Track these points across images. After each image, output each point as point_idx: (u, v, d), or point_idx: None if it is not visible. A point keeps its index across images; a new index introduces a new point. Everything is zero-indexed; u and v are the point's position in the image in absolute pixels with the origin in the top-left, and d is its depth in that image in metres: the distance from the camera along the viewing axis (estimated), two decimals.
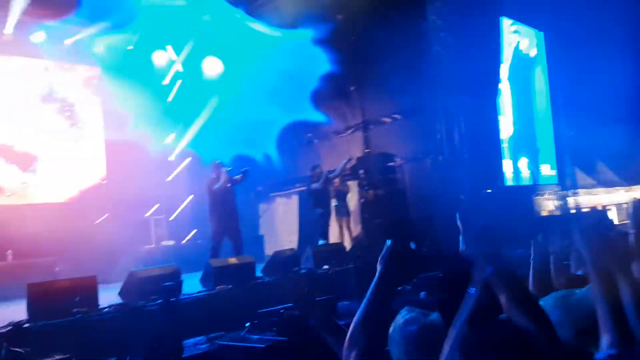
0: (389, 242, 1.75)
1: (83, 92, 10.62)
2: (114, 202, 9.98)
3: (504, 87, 11.17)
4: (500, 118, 10.66)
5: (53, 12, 9.27)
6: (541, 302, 1.64)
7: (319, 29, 10.29)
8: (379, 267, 1.69)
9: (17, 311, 5.66)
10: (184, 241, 10.87)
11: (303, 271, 7.18)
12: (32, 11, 8.94)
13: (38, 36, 9.59)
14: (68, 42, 9.99)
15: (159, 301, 5.35)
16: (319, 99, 11.17)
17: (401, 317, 1.85)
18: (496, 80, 10.31)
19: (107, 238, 9.08)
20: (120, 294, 6.25)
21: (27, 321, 5.17)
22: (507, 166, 10.89)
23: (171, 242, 10.47)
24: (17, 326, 5.02)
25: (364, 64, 10.59)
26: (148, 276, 6.26)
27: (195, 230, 10.98)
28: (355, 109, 11.21)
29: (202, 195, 10.39)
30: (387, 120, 10.70)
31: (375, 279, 1.66)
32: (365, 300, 1.64)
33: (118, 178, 10.30)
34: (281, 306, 5.50)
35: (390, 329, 1.86)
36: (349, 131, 11.33)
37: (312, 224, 11.04)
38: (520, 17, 11.54)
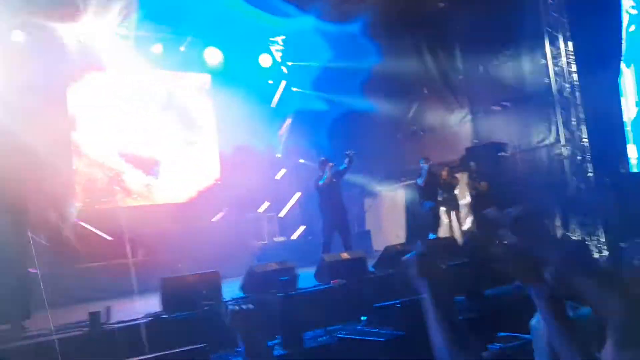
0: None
1: (197, 98, 11.30)
2: (228, 201, 10.51)
3: (625, 65, 10.31)
4: (622, 100, 9.85)
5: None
6: None
7: (422, 18, 10.15)
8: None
9: (149, 303, 6.16)
10: (293, 237, 11.19)
11: None
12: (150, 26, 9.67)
13: (156, 48, 10.33)
14: (181, 49, 10.68)
15: (279, 295, 5.55)
16: (423, 90, 11.02)
17: None
18: (618, 58, 9.52)
19: (222, 235, 9.62)
20: (240, 287, 6.59)
21: (162, 312, 5.61)
22: (631, 151, 10.05)
23: (282, 239, 10.83)
24: (155, 317, 5.46)
25: (471, 51, 10.28)
26: (266, 271, 6.52)
27: (304, 227, 11.27)
28: (462, 99, 10.91)
29: (309, 192, 10.70)
30: (497, 108, 10.29)
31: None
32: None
33: (231, 178, 10.85)
34: (397, 300, 5.51)
35: (534, 320, 1.80)
36: (457, 122, 11.04)
37: (420, 218, 10.92)
38: None
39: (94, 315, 5.21)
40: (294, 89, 12.11)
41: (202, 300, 5.89)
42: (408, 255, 1.62)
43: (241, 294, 6.47)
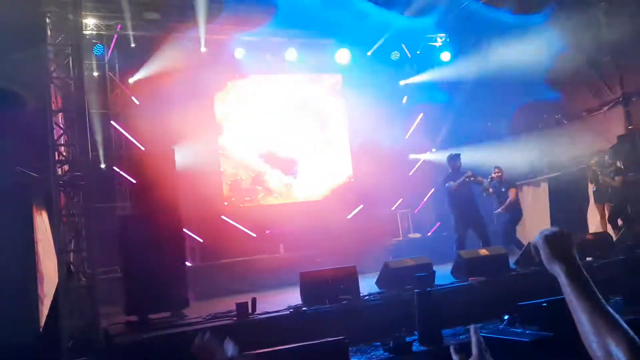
0: None
1: (329, 99, 11.61)
2: (362, 198, 10.67)
3: None
4: None
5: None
6: None
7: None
8: None
9: (290, 296, 6.47)
10: (429, 234, 11.04)
11: None
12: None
13: (291, 54, 10.80)
14: (314, 55, 11.07)
15: (416, 291, 5.52)
16: (564, 77, 10.23)
17: None
18: None
19: (358, 231, 9.78)
20: (377, 283, 6.66)
21: (302, 305, 5.87)
22: None
23: (417, 235, 10.73)
24: (296, 309, 5.73)
25: (619, 30, 9.33)
26: (402, 267, 6.53)
27: (438, 223, 11.06)
28: (611, 82, 9.96)
29: (442, 188, 10.47)
30: None
31: None
32: None
33: (364, 175, 10.99)
34: (543, 300, 5.20)
35: None
36: (605, 107, 10.10)
37: (565, 213, 10.17)
38: None
39: (241, 306, 5.61)
40: (424, 77, 11.88)
41: (340, 294, 6.05)
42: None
43: (377, 289, 6.55)
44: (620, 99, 9.86)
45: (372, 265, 8.37)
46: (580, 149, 10.01)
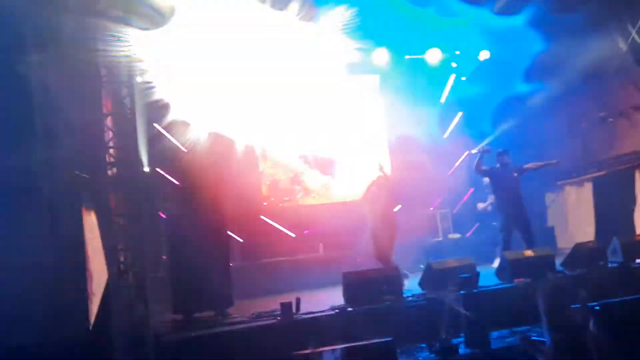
0: None
1: (367, 99, 11.58)
2: (402, 197, 10.59)
3: None
4: None
5: None
6: None
7: None
8: None
9: (332, 296, 6.49)
10: (468, 234, 10.90)
11: (613, 265, 6.50)
12: None
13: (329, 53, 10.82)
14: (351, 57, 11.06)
15: (461, 292, 5.47)
16: (612, 71, 9.96)
17: None
18: None
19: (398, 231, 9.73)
20: (420, 284, 6.63)
21: (347, 306, 5.88)
22: None
23: (457, 235, 10.62)
24: (340, 309, 5.75)
25: None
26: (445, 268, 6.48)
27: (477, 224, 10.90)
28: None
29: (482, 188, 10.33)
30: None
31: None
32: None
33: (403, 174, 10.91)
34: (593, 303, 5.08)
35: None
36: None
37: (611, 213, 9.92)
38: None
39: (285, 306, 5.66)
40: (463, 78, 11.74)
41: (383, 294, 6.05)
42: None
43: (420, 290, 6.51)
44: None
45: (413, 265, 8.34)
46: (625, 147, 9.74)
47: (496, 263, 7.80)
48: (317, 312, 5.75)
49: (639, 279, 6.27)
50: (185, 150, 7.83)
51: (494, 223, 9.10)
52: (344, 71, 11.22)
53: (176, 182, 6.64)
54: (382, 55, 11.30)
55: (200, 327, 5.63)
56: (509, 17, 10.01)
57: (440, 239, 10.34)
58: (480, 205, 9.90)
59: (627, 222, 9.52)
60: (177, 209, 6.47)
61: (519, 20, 10.05)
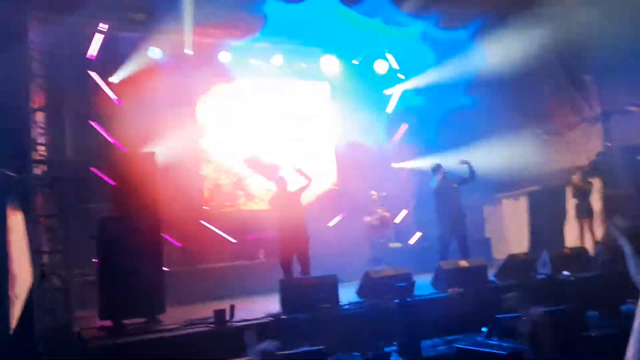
0: None
1: (315, 106, 11.62)
2: (345, 205, 10.66)
3: None
4: None
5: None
6: None
7: (545, 16, 9.62)
8: None
9: (269, 304, 6.41)
10: (409, 243, 11.06)
11: (541, 277, 6.72)
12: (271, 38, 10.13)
13: (277, 59, 10.81)
14: (302, 64, 11.09)
15: (396, 301, 5.51)
16: (546, 92, 10.42)
17: None
18: None
19: (339, 239, 9.76)
20: (357, 292, 6.64)
21: (281, 313, 5.81)
22: None
23: (398, 244, 10.73)
24: (275, 317, 5.68)
25: (601, 49, 9.50)
26: (382, 276, 6.51)
27: (420, 233, 11.09)
28: (591, 100, 10.13)
29: (424, 198, 10.51)
30: (634, 109, 9.42)
31: None
32: None
33: (347, 183, 11.00)
34: (517, 314, 5.24)
35: None
36: (585, 123, 10.27)
37: (544, 227, 10.30)
38: None
39: (219, 313, 5.54)
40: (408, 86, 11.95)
41: (320, 302, 6.01)
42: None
43: (358, 299, 6.52)
44: (600, 116, 10.04)
45: (353, 274, 8.35)
46: (560, 164, 10.16)
47: None
48: (251, 320, 5.64)
49: (564, 290, 6.51)
50: (123, 149, 7.59)
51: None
52: (293, 77, 11.28)
53: (111, 182, 6.41)
54: (331, 63, 11.38)
55: (129, 334, 5.42)
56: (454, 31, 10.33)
57: (383, 248, 10.40)
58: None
59: (558, 235, 9.93)
60: (109, 209, 6.23)
61: (463, 34, 10.38)
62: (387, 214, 10.11)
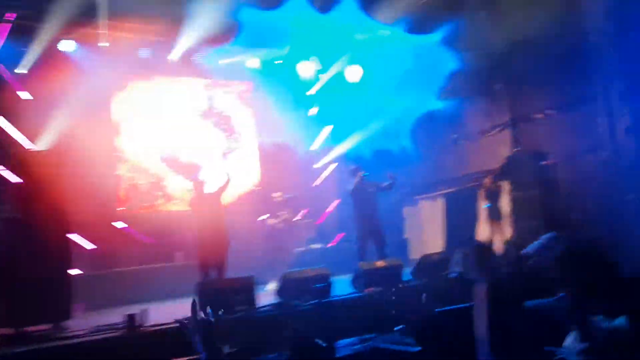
0: None
1: (237, 105, 11.48)
2: (267, 207, 10.59)
3: None
4: None
5: (218, 39, 10.15)
6: None
7: (458, 30, 10.07)
8: None
9: (186, 307, 6.25)
10: (331, 244, 11.17)
11: (453, 275, 6.99)
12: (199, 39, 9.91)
13: (199, 57, 10.58)
14: (223, 62, 10.89)
15: (313, 301, 5.55)
16: (462, 97, 10.87)
17: None
18: None
19: (260, 241, 9.71)
20: (276, 293, 6.62)
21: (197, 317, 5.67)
22: None
23: (319, 245, 10.82)
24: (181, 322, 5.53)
25: (512, 59, 10.05)
26: (301, 277, 6.54)
27: (343, 234, 11.24)
28: (502, 107, 10.68)
29: (348, 199, 10.67)
30: (539, 116, 10.03)
31: None
32: None
33: (270, 184, 10.95)
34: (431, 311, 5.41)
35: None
36: (496, 130, 10.81)
37: (458, 227, 10.73)
38: None
39: (130, 318, 5.33)
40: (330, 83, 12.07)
41: (237, 305, 5.94)
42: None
43: (276, 300, 6.50)
44: (510, 123, 10.60)
45: (275, 275, 8.32)
46: (472, 167, 10.62)
47: None
48: (163, 324, 5.47)
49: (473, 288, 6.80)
50: (28, 145, 7.17)
51: None
52: (216, 76, 11.08)
53: (14, 181, 6.01)
54: (255, 63, 11.28)
55: (30, 342, 5.10)
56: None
57: (303, 248, 10.45)
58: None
59: (472, 235, 10.38)
60: (12, 210, 5.83)
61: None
62: (292, 216, 9.89)
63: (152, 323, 5.50)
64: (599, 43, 8.57)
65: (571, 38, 8.64)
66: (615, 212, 8.52)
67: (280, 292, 6.62)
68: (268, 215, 9.71)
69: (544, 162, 9.52)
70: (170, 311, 6.32)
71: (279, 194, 9.91)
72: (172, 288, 8.30)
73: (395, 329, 5.47)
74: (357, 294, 6.60)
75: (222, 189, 7.65)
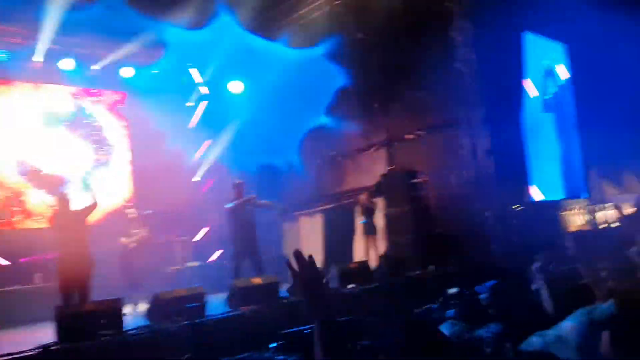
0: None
1: (109, 116, 10.86)
2: (140, 223, 10.07)
3: (530, 100, 11.05)
4: (526, 131, 10.51)
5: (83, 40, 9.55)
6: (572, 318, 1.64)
7: (341, 47, 10.41)
8: None
9: (45, 333, 5.72)
10: (208, 261, 10.89)
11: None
12: (62, 39, 9.23)
13: (67, 63, 9.87)
14: (96, 67, 10.27)
15: (184, 322, 5.33)
16: (342, 117, 11.24)
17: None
18: (519, 94, 10.21)
19: (133, 259, 9.17)
20: (146, 315, 6.28)
21: (55, 343, 5.21)
22: (534, 180, 10.69)
23: (196, 263, 10.49)
24: (44, 348, 5.05)
25: (387, 80, 10.59)
26: (173, 297, 6.26)
27: (221, 251, 10.99)
28: (379, 126, 11.19)
29: (226, 215, 10.48)
30: (411, 136, 10.64)
31: None
32: None
33: (144, 199, 10.43)
34: (306, 327, 5.44)
35: None
36: (373, 148, 11.29)
37: (336, 243, 11.01)
38: (543, 30, 11.39)
39: None
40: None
41: (102, 329, 5.54)
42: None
43: (146, 322, 6.17)
44: (385, 142, 11.13)
45: (147, 295, 7.91)
46: (350, 184, 10.98)
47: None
48: (17, 354, 4.94)
49: (349, 303, 6.96)
50: None
51: None
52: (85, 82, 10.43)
53: None
54: (129, 72, 10.79)
55: None
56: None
57: (179, 267, 10.07)
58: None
59: (349, 250, 10.70)
60: None
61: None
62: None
63: (4, 352, 4.95)
64: (464, 72, 9.32)
65: (441, 65, 9.30)
66: (476, 227, 9.25)
67: (150, 313, 6.30)
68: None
69: (415, 180, 10.10)
70: (25, 338, 5.77)
71: (132, 210, 9.23)
72: (29, 313, 7.56)
73: (270, 346, 5.43)
74: (231, 313, 6.45)
75: (89, 208, 7.10)
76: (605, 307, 1.71)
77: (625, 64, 10.13)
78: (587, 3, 9.34)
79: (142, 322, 6.17)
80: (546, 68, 11.82)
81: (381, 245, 10.20)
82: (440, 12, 9.37)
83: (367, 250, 9.90)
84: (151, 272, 9.05)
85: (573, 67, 12.21)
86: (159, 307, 6.19)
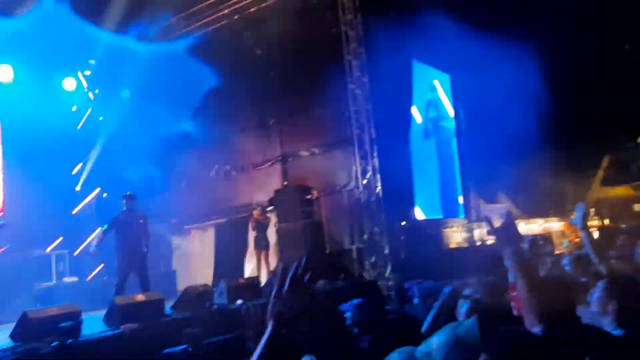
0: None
1: None
2: (11, 236, 9.23)
3: (417, 125, 11.69)
4: (413, 153, 11.09)
5: None
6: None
7: (240, 64, 10.38)
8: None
9: None
10: (88, 278, 10.20)
11: (215, 307, 6.94)
12: None
13: None
14: None
15: (55, 343, 4.94)
16: (237, 131, 11.16)
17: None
18: (408, 119, 10.78)
19: (1, 275, 8.39)
20: (11, 335, 5.75)
21: None
22: (419, 199, 11.26)
23: (74, 279, 9.78)
24: None
25: (283, 98, 10.69)
26: (44, 316, 5.78)
27: (102, 265, 10.35)
28: (274, 142, 11.24)
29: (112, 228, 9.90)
30: (305, 153, 10.81)
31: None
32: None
33: (17, 210, 9.58)
34: (186, 345, 5.30)
35: None
36: (268, 164, 11.31)
37: (227, 258, 10.82)
38: (431, 60, 12.14)
39: None
40: (101, 118, 11.30)
41: None
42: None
43: (10, 344, 5.64)
44: (280, 158, 11.20)
45: (16, 314, 7.25)
46: (243, 198, 10.89)
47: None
48: None
49: (237, 319, 6.85)
50: None
51: None
52: None
53: None
54: (3, 72, 9.95)
55: None
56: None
57: (53, 282, 9.34)
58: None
59: (240, 266, 10.56)
60: None
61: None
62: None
63: None
64: (357, 94, 9.66)
65: (336, 86, 9.55)
66: (365, 243, 9.55)
67: (16, 334, 5.76)
68: None
69: (308, 196, 10.24)
70: None
71: None
72: None
73: None
74: (108, 332, 6.08)
75: None
76: (469, 322, 1.78)
77: (504, 95, 11.08)
78: (469, 37, 10.10)
79: (5, 344, 5.64)
80: (429, 96, 12.60)
81: (272, 261, 10.18)
82: (337, 35, 9.67)
83: (258, 265, 9.84)
84: (22, 288, 8.33)
85: (454, 96, 13.12)
86: (26, 328, 5.69)
